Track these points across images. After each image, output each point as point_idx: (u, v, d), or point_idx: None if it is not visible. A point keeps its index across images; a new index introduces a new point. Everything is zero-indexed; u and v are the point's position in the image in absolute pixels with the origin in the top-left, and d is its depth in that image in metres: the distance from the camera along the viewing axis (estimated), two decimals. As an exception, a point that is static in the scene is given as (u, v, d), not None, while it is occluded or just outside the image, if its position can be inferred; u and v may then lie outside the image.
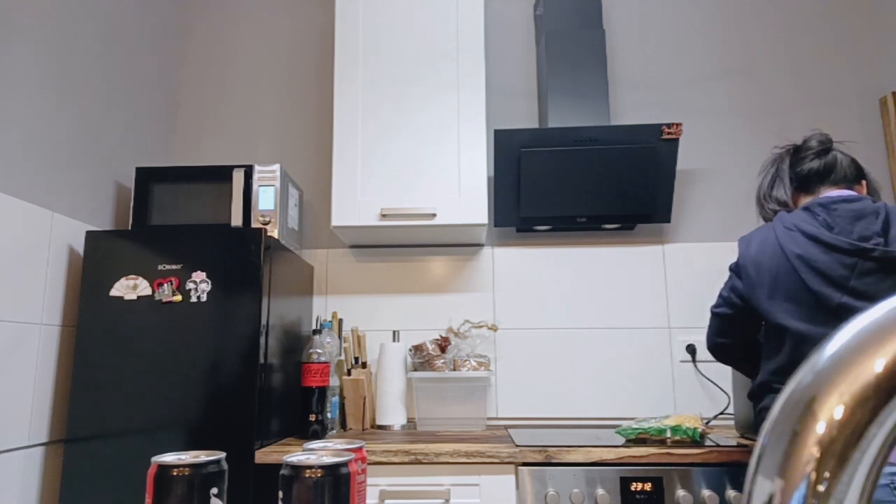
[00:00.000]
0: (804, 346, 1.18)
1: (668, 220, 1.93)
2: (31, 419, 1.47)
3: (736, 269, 1.35)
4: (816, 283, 1.17)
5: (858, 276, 1.14)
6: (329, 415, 1.74)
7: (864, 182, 1.34)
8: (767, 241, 1.27)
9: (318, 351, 1.65)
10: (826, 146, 1.34)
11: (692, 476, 1.37)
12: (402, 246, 2.11)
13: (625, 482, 1.38)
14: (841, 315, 1.15)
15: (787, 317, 1.20)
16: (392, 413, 1.81)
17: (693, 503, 1.34)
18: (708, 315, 2.02)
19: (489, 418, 2.00)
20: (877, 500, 1.05)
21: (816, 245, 1.18)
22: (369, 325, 2.07)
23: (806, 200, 1.34)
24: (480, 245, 2.11)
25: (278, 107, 2.26)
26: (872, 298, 1.13)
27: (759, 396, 1.31)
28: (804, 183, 1.35)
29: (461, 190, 1.80)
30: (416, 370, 1.80)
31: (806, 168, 1.34)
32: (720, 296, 1.40)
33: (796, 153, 1.38)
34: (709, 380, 1.98)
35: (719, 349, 1.44)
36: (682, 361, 2.00)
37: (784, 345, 1.22)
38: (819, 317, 1.17)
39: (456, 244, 2.10)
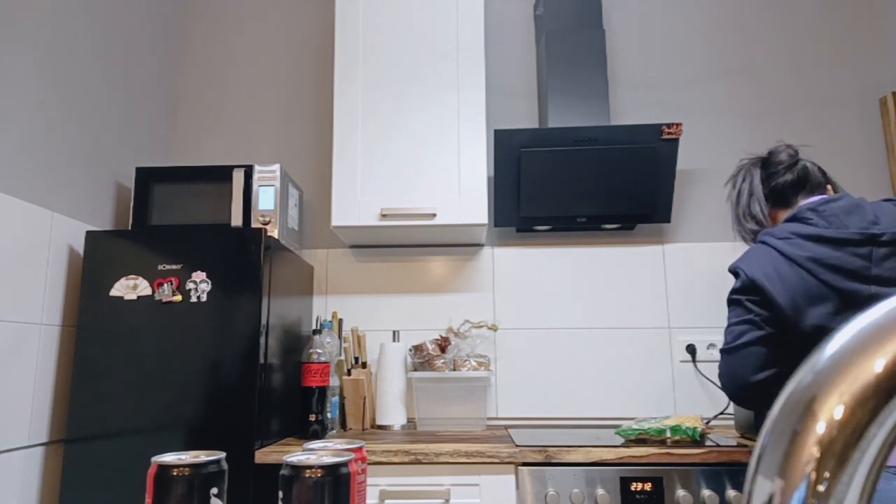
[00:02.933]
0: None
1: (668, 220, 1.93)
2: (31, 419, 1.48)
3: (746, 287, 1.22)
4: (839, 280, 1.13)
5: (877, 263, 1.12)
6: (329, 415, 1.74)
7: (829, 187, 1.35)
8: (767, 256, 1.22)
9: (318, 351, 1.65)
10: (795, 158, 1.35)
11: (692, 476, 1.37)
12: (402, 246, 2.11)
13: (625, 482, 1.38)
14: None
15: (820, 320, 1.14)
16: (392, 413, 1.81)
17: (693, 503, 1.34)
18: (708, 316, 2.02)
19: (489, 418, 2.00)
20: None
21: (823, 244, 1.16)
22: (369, 325, 2.07)
23: (784, 213, 1.34)
24: (480, 245, 2.11)
25: (278, 107, 2.26)
26: None
27: None
28: (780, 197, 1.35)
29: (461, 190, 1.80)
30: (416, 370, 1.80)
31: (780, 182, 1.34)
32: (735, 325, 1.22)
33: (765, 167, 1.37)
34: (709, 380, 1.98)
35: (760, 389, 1.19)
36: (682, 361, 2.00)
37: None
38: (850, 313, 1.13)
39: (456, 244, 2.10)
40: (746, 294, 1.22)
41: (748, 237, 1.38)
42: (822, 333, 1.15)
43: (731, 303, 1.26)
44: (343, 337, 1.94)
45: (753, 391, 1.19)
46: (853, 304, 1.13)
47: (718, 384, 1.97)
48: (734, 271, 1.27)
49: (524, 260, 2.09)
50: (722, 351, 1.24)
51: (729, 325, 1.25)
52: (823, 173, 1.35)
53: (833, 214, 1.20)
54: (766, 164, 1.38)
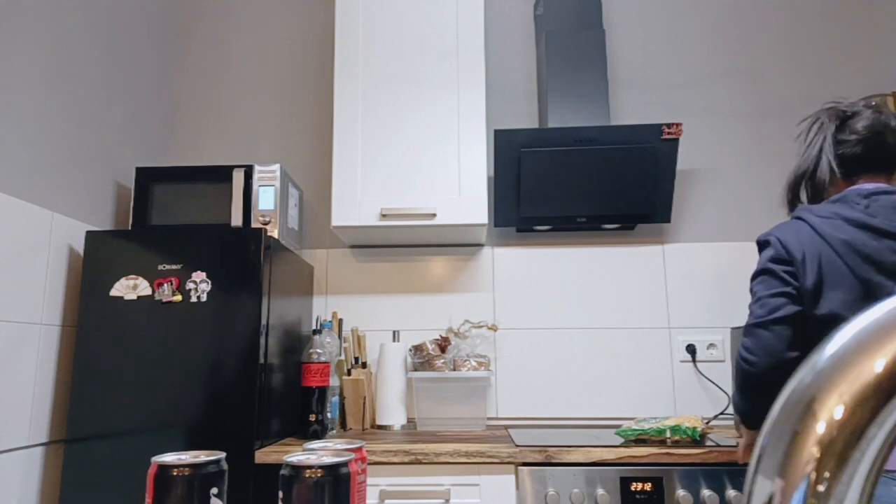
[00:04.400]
0: None
1: (668, 220, 1.93)
2: (31, 419, 1.47)
3: (782, 257, 1.16)
4: (865, 270, 1.09)
5: None
6: (329, 415, 1.74)
7: None
8: (802, 232, 1.16)
9: (318, 351, 1.65)
10: (876, 130, 1.19)
11: (692, 476, 1.37)
12: (402, 246, 2.11)
13: (625, 482, 1.38)
14: None
15: (836, 307, 1.10)
16: (392, 413, 1.81)
17: (693, 503, 1.34)
18: (708, 316, 2.02)
19: (489, 418, 2.00)
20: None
21: (865, 231, 1.11)
22: (369, 325, 2.07)
23: (844, 185, 1.25)
24: (480, 245, 2.11)
25: (278, 107, 2.26)
26: None
27: None
28: (846, 168, 1.23)
29: (461, 190, 1.80)
30: (416, 370, 1.80)
31: (849, 153, 1.21)
32: (770, 297, 1.16)
33: (840, 129, 1.23)
34: (709, 380, 1.98)
35: (791, 368, 1.13)
36: (682, 361, 2.00)
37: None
38: (865, 305, 1.08)
39: (456, 244, 2.10)
40: (782, 264, 1.16)
41: (789, 207, 1.30)
42: (833, 321, 1.10)
43: (764, 273, 1.18)
44: (343, 337, 1.94)
45: (785, 369, 1.13)
46: (872, 296, 1.08)
47: (719, 384, 1.97)
48: (765, 241, 1.21)
49: (524, 260, 2.09)
50: (753, 326, 1.16)
51: (760, 298, 1.16)
52: None
53: (882, 206, 1.14)
54: (843, 125, 1.23)
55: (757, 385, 1.16)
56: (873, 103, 1.24)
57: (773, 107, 2.16)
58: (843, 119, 1.24)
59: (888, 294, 1.08)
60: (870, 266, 1.09)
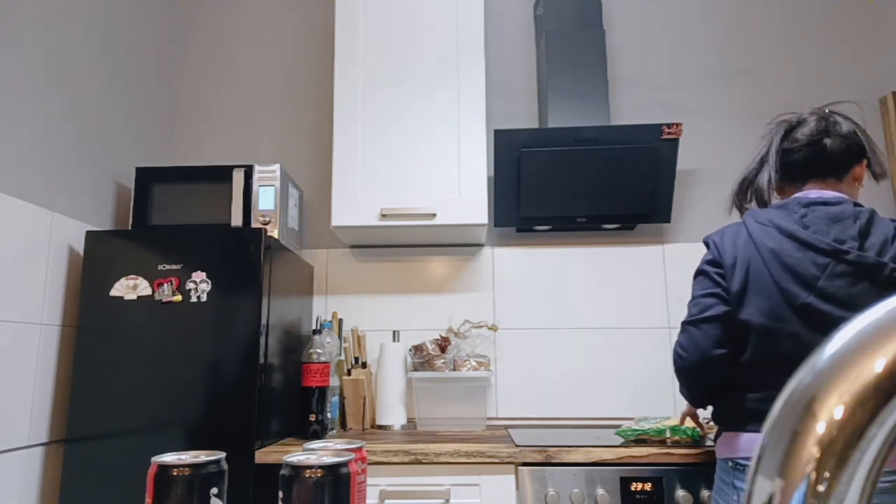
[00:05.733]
0: (766, 343, 1.13)
1: (668, 220, 1.93)
2: (31, 419, 1.47)
3: (716, 260, 1.22)
4: (785, 279, 1.13)
5: (828, 278, 1.11)
6: (329, 415, 1.74)
7: (864, 162, 1.24)
8: (739, 236, 1.22)
9: (318, 351, 1.65)
10: (817, 137, 1.22)
11: (692, 476, 1.37)
12: (402, 246, 2.11)
13: (625, 482, 1.38)
14: (803, 315, 1.11)
15: (754, 312, 1.15)
16: (392, 413, 1.81)
17: (693, 503, 1.34)
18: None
19: (489, 418, 2.00)
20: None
21: (792, 241, 1.15)
22: (369, 325, 2.07)
23: (791, 190, 1.28)
24: (480, 245, 2.11)
25: (278, 107, 2.26)
26: (839, 302, 1.10)
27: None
28: (789, 174, 1.26)
29: (461, 190, 1.80)
30: (416, 370, 1.80)
31: (793, 159, 1.25)
32: (702, 297, 1.22)
33: (786, 136, 1.27)
34: (709, 380, 1.98)
35: (718, 364, 1.19)
36: (682, 361, 2.00)
37: (748, 342, 1.17)
38: (782, 314, 1.12)
39: (456, 244, 2.10)
40: (715, 267, 1.23)
41: (738, 211, 1.33)
42: (748, 326, 1.15)
43: (700, 274, 1.25)
44: (343, 337, 1.94)
45: (712, 365, 1.19)
46: (788, 305, 1.12)
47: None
48: (706, 242, 1.28)
49: (524, 260, 2.09)
50: (685, 323, 1.23)
51: (695, 298, 1.23)
52: (851, 151, 1.22)
53: (818, 217, 1.16)
54: (788, 133, 1.26)
55: (689, 376, 1.23)
56: (825, 112, 1.26)
57: (773, 107, 2.16)
58: (790, 129, 1.28)
59: (800, 307, 1.11)
60: (789, 276, 1.13)
